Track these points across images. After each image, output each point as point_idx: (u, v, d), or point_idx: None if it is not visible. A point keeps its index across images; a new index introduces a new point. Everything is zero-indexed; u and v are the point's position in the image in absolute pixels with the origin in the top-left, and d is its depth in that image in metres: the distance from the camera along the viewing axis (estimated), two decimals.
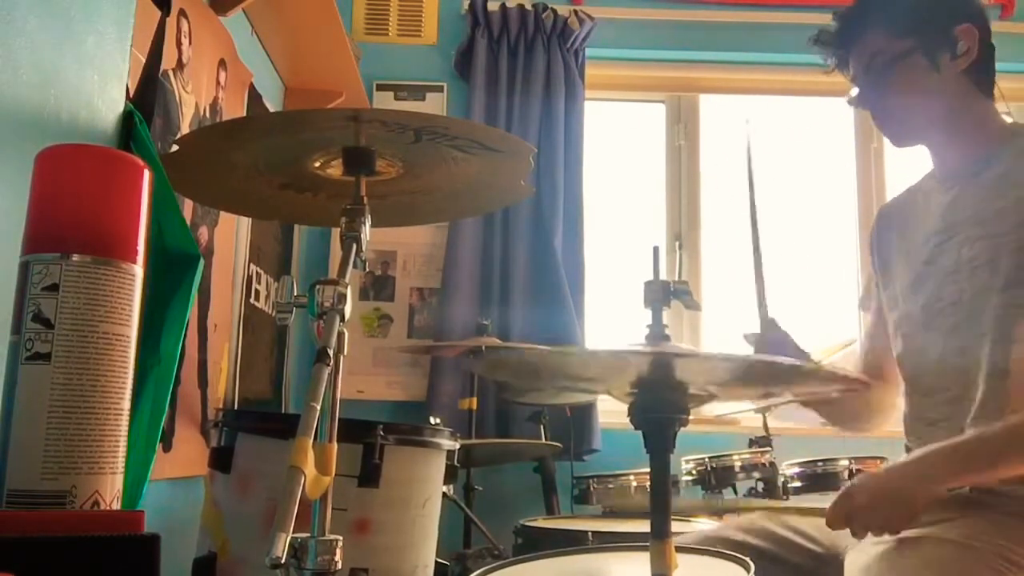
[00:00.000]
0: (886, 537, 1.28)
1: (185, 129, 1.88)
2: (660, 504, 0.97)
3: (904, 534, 1.26)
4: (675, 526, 0.98)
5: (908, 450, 1.43)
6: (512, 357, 1.21)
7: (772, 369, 1.00)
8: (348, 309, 0.99)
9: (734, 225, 3.39)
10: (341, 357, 0.99)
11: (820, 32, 1.51)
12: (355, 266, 1.05)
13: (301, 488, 0.81)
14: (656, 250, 1.00)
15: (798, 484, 2.46)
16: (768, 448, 2.53)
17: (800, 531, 1.44)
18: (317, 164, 1.18)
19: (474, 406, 2.57)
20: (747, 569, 1.06)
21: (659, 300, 0.98)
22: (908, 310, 1.46)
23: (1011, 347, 1.27)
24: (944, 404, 1.37)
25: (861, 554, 1.29)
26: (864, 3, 1.47)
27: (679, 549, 0.98)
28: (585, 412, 2.88)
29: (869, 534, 1.26)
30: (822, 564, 1.39)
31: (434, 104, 3.24)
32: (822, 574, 1.39)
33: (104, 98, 1.48)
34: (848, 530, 1.32)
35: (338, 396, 0.99)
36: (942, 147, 1.44)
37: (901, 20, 1.41)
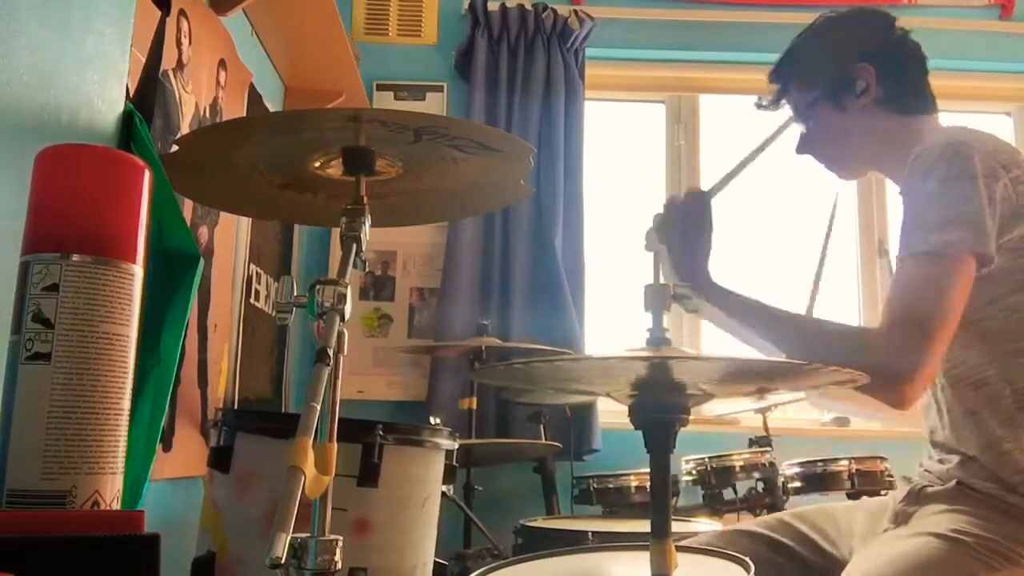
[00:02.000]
0: (889, 536, 1.33)
1: (185, 129, 1.88)
2: (660, 504, 0.97)
3: (897, 530, 1.32)
4: (675, 526, 0.98)
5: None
6: (500, 370, 1.20)
7: (771, 368, 1.00)
8: (348, 309, 0.99)
9: (734, 225, 3.39)
10: (341, 357, 0.99)
11: (759, 99, 1.68)
12: (355, 266, 1.05)
13: (301, 488, 0.81)
14: (657, 253, 1.00)
15: (798, 484, 2.46)
16: (768, 448, 2.53)
17: (819, 528, 1.48)
18: (317, 164, 1.18)
19: (474, 406, 2.57)
20: (747, 569, 1.06)
21: (659, 303, 0.98)
22: None
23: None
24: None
25: (864, 559, 1.31)
26: (779, 65, 1.60)
27: (679, 549, 0.99)
28: (585, 412, 2.88)
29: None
30: (833, 564, 1.42)
31: (434, 104, 3.24)
32: (830, 572, 1.41)
33: (104, 98, 1.48)
34: (858, 532, 1.42)
35: (338, 396, 0.99)
36: (887, 170, 1.54)
37: (805, 74, 1.55)
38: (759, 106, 1.64)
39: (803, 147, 1.59)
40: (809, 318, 1.34)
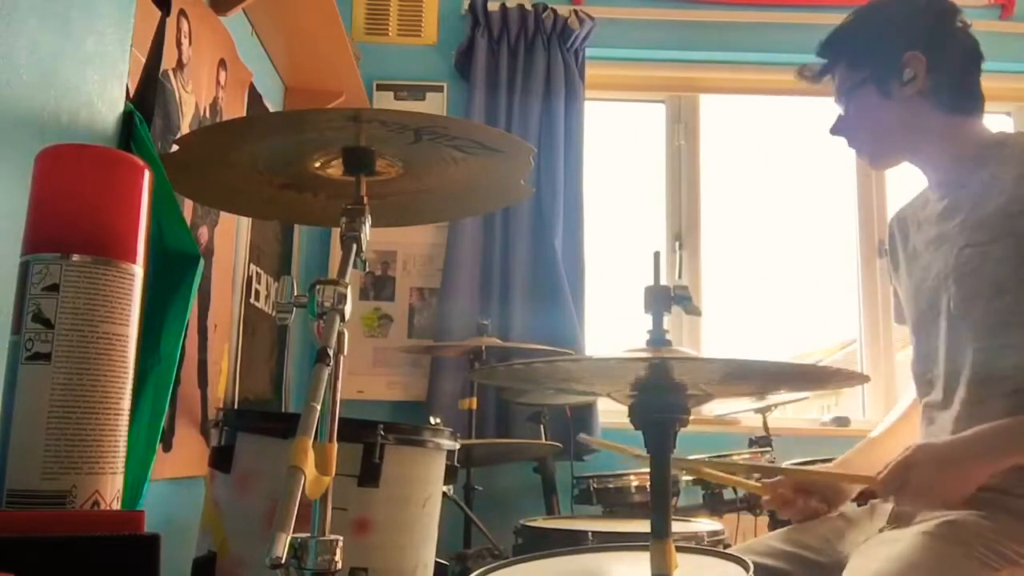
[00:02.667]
0: (886, 536, 1.32)
1: (185, 129, 1.88)
2: (660, 504, 0.97)
3: (895, 532, 1.30)
4: (675, 526, 0.98)
5: None
6: (500, 370, 1.21)
7: (771, 369, 1.00)
8: (348, 309, 0.99)
9: (734, 226, 3.39)
10: (341, 357, 0.99)
11: (803, 67, 1.59)
12: (355, 266, 1.05)
13: (301, 488, 0.81)
14: (657, 255, 1.00)
15: None
16: (768, 448, 2.53)
17: (804, 544, 1.47)
18: (317, 164, 1.18)
19: (474, 406, 2.57)
20: (747, 569, 1.06)
21: (660, 305, 0.98)
22: (912, 315, 1.51)
23: (993, 356, 1.31)
24: (933, 408, 1.43)
25: (861, 556, 1.31)
26: (832, 38, 1.53)
27: (679, 549, 0.99)
28: (585, 412, 2.88)
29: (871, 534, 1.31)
30: (825, 571, 1.42)
31: (434, 104, 3.24)
32: None
33: (104, 98, 1.48)
34: (849, 537, 1.40)
35: (338, 396, 0.99)
36: (922, 164, 1.49)
37: (856, 53, 1.48)
38: (801, 75, 1.56)
39: (838, 129, 1.52)
40: None
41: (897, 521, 1.41)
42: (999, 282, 1.31)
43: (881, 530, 1.41)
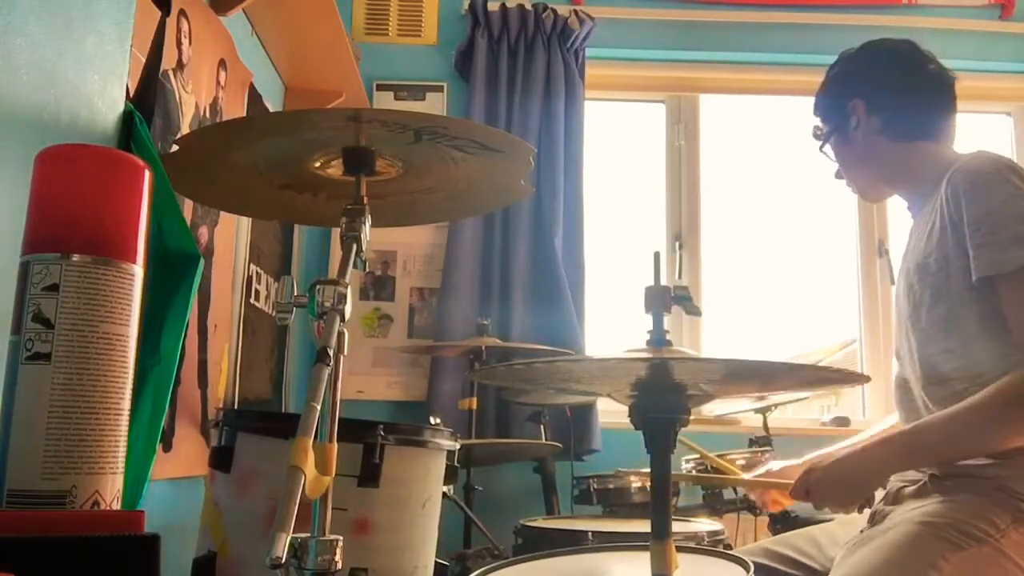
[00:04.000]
0: (865, 535, 1.41)
1: (185, 129, 1.88)
2: (660, 504, 0.97)
3: (871, 529, 1.40)
4: (675, 526, 0.98)
5: None
6: (500, 370, 1.21)
7: (771, 369, 1.00)
8: (348, 309, 0.99)
9: (734, 226, 3.39)
10: (341, 357, 0.99)
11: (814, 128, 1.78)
12: (355, 266, 1.05)
13: (301, 488, 0.81)
14: (657, 256, 1.00)
15: None
16: (768, 448, 2.53)
17: (798, 548, 1.55)
18: (317, 164, 1.18)
19: (474, 406, 2.57)
20: (747, 569, 1.06)
21: (660, 305, 0.98)
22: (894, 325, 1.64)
23: (939, 360, 1.43)
24: (907, 408, 1.55)
25: (844, 555, 1.39)
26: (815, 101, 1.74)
27: (679, 549, 0.99)
28: (585, 412, 2.88)
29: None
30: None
31: (434, 104, 3.24)
32: None
33: (104, 98, 1.48)
34: (840, 541, 1.49)
35: (338, 396, 0.99)
36: (899, 191, 1.65)
37: (819, 109, 1.71)
38: (813, 135, 1.75)
39: (836, 175, 1.73)
40: (933, 422, 1.39)
41: (874, 520, 1.47)
42: (936, 292, 1.43)
43: (862, 531, 1.45)
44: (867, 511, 1.53)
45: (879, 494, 1.51)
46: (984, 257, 1.33)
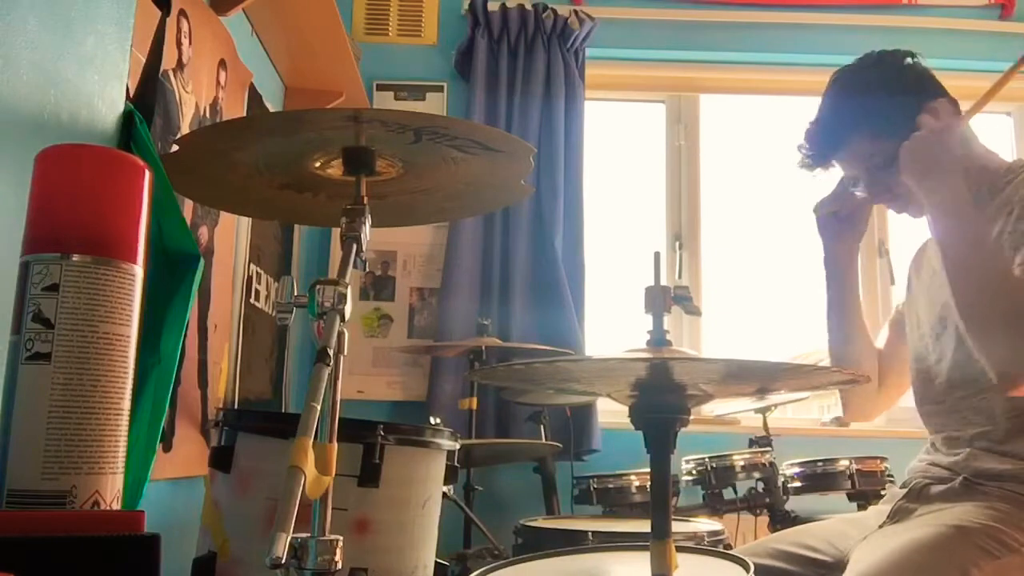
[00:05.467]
0: (888, 530, 1.39)
1: (185, 129, 1.88)
2: (660, 504, 0.97)
3: (895, 525, 1.39)
4: (675, 526, 0.98)
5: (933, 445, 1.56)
6: (500, 370, 1.21)
7: (771, 368, 1.00)
8: (348, 309, 0.99)
9: (734, 226, 3.39)
10: (341, 357, 0.99)
11: (801, 144, 1.68)
12: (355, 266, 1.05)
13: (301, 488, 0.81)
14: (657, 256, 1.00)
15: (798, 484, 2.46)
16: (768, 448, 2.53)
17: (807, 544, 1.52)
18: (317, 164, 1.18)
19: (474, 406, 2.57)
20: (747, 569, 1.06)
21: (660, 305, 0.98)
22: (924, 326, 1.60)
23: (964, 363, 1.42)
24: (929, 402, 1.56)
25: (864, 550, 1.34)
26: (840, 114, 1.60)
27: (679, 549, 0.99)
28: (585, 412, 2.88)
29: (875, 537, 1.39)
30: (829, 571, 1.44)
31: (434, 104, 3.24)
32: None
33: (104, 98, 1.48)
34: (852, 535, 1.46)
35: (338, 396, 0.99)
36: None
37: (880, 124, 1.53)
38: (802, 165, 1.69)
39: (878, 197, 1.62)
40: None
41: (896, 516, 1.43)
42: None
43: (881, 526, 1.43)
44: (882, 507, 1.52)
45: (900, 491, 1.50)
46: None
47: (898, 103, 1.53)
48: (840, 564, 1.42)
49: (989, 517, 1.28)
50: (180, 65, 1.86)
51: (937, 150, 1.42)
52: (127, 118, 1.56)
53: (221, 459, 1.30)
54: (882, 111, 1.54)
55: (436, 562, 1.40)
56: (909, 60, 1.60)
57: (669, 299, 0.98)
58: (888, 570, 1.23)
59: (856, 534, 1.48)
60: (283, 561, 0.76)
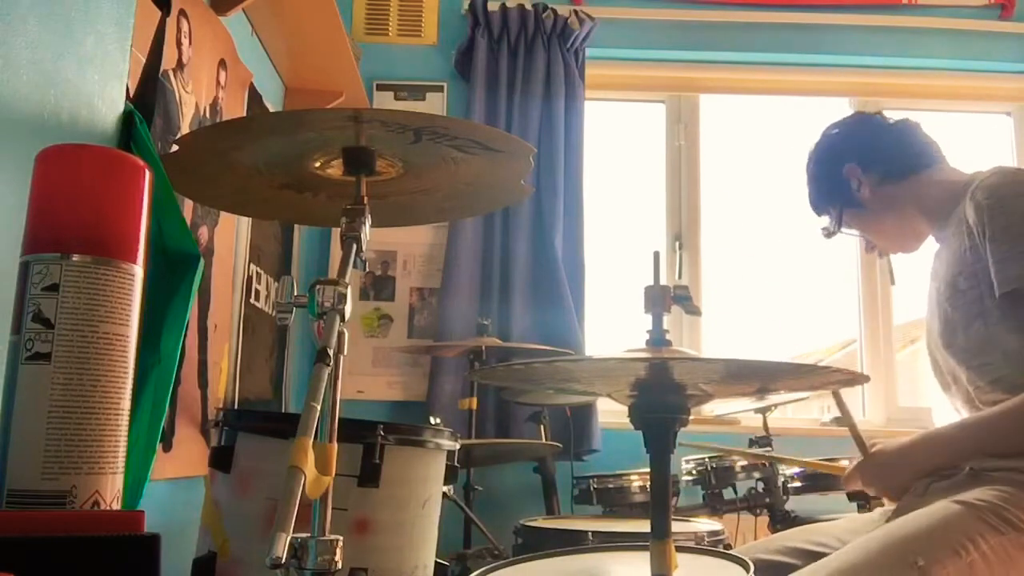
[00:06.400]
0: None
1: (185, 129, 1.88)
2: (660, 504, 0.97)
3: (911, 511, 1.40)
4: (675, 526, 0.98)
5: None
6: (500, 370, 1.22)
7: (771, 368, 1.00)
8: (348, 309, 0.99)
9: (734, 226, 3.39)
10: (341, 357, 0.99)
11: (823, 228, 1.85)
12: (355, 266, 1.05)
13: (301, 488, 0.82)
14: (657, 255, 1.00)
15: (798, 484, 2.46)
16: (768, 448, 2.53)
17: (817, 541, 1.55)
18: (317, 164, 1.18)
19: (474, 406, 2.57)
20: (747, 569, 1.06)
21: (659, 305, 0.98)
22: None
23: (977, 373, 1.49)
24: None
25: (871, 534, 1.37)
26: (809, 199, 1.82)
27: (679, 549, 0.99)
28: (585, 412, 2.88)
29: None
30: None
31: (434, 104, 3.24)
32: None
33: (104, 98, 1.48)
34: (862, 532, 1.48)
35: (338, 396, 0.99)
36: (925, 224, 1.67)
37: (818, 205, 1.79)
38: (825, 233, 1.81)
39: (868, 248, 1.81)
40: (985, 417, 1.46)
41: (902, 512, 1.45)
42: (969, 311, 1.47)
43: (888, 521, 1.44)
44: (888, 506, 1.55)
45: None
46: (1005, 272, 1.37)
47: (817, 182, 1.77)
48: None
49: (995, 497, 1.32)
50: (180, 65, 1.86)
51: (889, 469, 1.55)
52: (127, 118, 1.56)
53: (221, 459, 1.30)
54: (813, 193, 1.79)
55: (436, 562, 1.40)
56: (835, 131, 1.76)
57: (669, 299, 0.99)
58: (896, 538, 1.28)
59: (865, 530, 1.49)
60: (283, 561, 0.76)
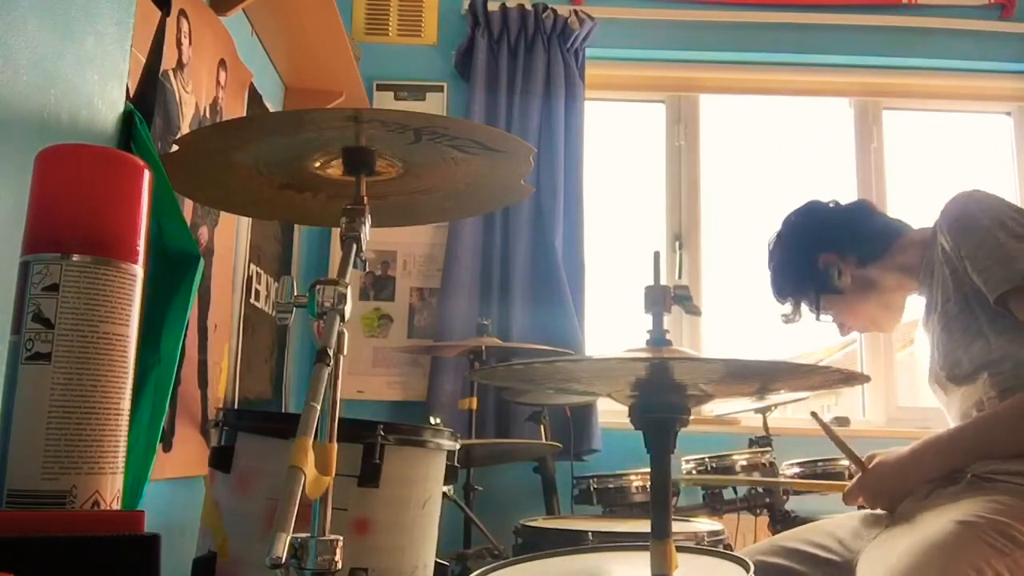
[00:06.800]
0: (896, 531, 1.42)
1: (185, 129, 1.88)
2: (660, 504, 0.97)
3: (905, 527, 1.40)
4: (675, 526, 0.98)
5: None
6: (500, 370, 1.22)
7: (771, 368, 1.00)
8: (348, 309, 0.99)
9: (734, 226, 3.39)
10: (341, 357, 0.99)
11: (783, 316, 1.86)
12: (355, 266, 1.05)
13: (301, 488, 0.81)
14: (657, 255, 1.00)
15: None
16: (768, 448, 2.53)
17: (816, 543, 1.54)
18: (317, 164, 1.18)
19: (474, 406, 2.57)
20: (747, 569, 1.06)
21: (659, 305, 0.98)
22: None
23: (976, 387, 1.50)
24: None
25: (875, 551, 1.35)
26: (774, 288, 1.82)
27: (679, 549, 0.99)
28: (585, 412, 2.88)
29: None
30: (839, 570, 1.45)
31: (434, 104, 3.24)
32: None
33: (104, 98, 1.48)
34: (863, 534, 1.52)
35: (338, 396, 0.99)
36: (910, 287, 1.69)
37: (785, 294, 1.78)
38: (785, 320, 1.81)
39: (844, 332, 1.78)
40: (980, 421, 1.47)
41: (903, 515, 1.45)
42: (966, 332, 1.49)
43: (888, 526, 1.44)
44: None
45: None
46: (991, 278, 1.39)
47: (789, 273, 1.77)
48: (849, 564, 1.43)
49: (994, 511, 1.29)
50: (180, 65, 1.86)
51: (889, 483, 1.53)
52: (127, 118, 1.56)
53: (221, 459, 1.30)
54: (786, 283, 1.78)
55: (436, 562, 1.40)
56: (796, 220, 1.77)
57: (669, 299, 0.99)
58: (897, 568, 1.25)
59: (867, 533, 1.49)
60: (283, 561, 0.76)
